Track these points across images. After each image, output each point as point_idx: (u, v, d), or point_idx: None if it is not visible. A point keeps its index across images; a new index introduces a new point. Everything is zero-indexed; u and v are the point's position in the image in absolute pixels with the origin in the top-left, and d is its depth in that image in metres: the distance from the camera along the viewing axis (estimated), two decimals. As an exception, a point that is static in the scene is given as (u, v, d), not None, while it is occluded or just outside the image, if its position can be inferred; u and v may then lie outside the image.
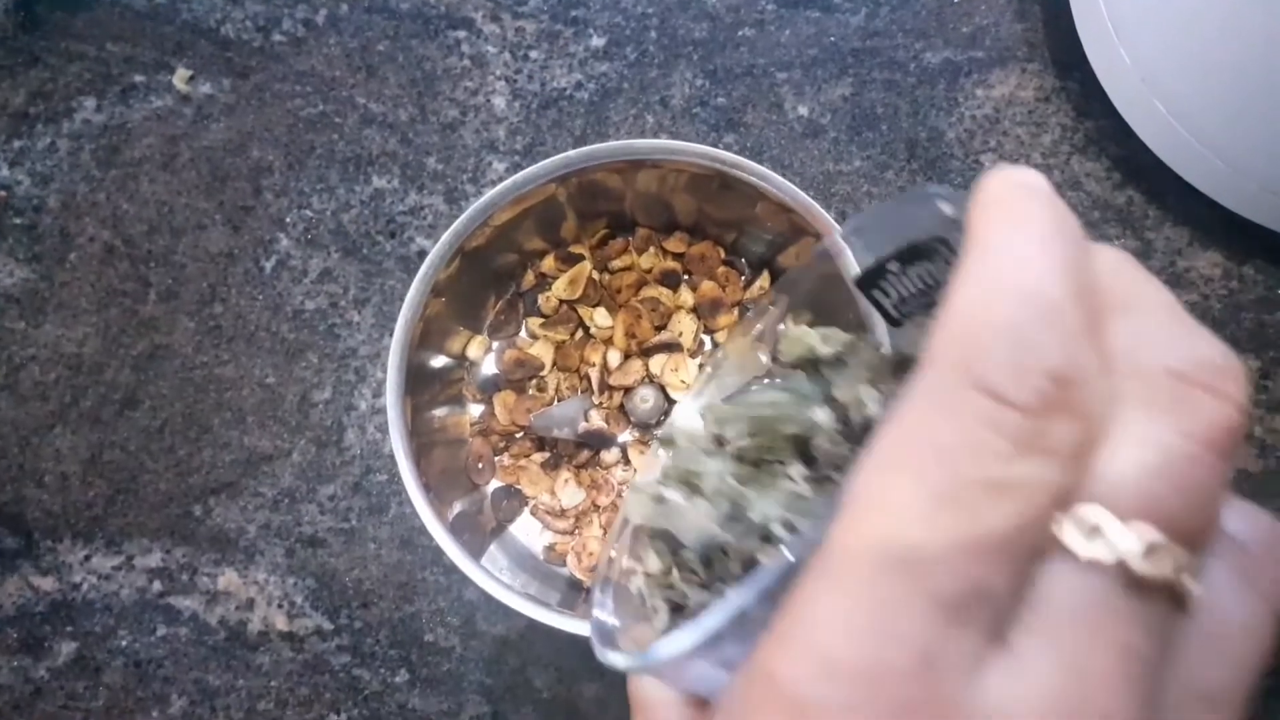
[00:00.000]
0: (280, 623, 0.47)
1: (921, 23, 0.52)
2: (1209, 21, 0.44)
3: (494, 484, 0.46)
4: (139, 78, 0.51)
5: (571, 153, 0.38)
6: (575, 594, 0.40)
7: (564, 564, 0.44)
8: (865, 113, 0.51)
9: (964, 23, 0.52)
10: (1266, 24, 0.42)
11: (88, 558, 0.46)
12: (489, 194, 0.37)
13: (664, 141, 0.38)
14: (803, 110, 0.51)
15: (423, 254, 0.50)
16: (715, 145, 0.50)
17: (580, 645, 0.45)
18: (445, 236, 0.37)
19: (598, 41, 0.52)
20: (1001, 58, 0.52)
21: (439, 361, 0.43)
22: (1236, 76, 0.44)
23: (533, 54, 0.52)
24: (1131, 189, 0.51)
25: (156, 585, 0.47)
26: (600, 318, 0.46)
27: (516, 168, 0.51)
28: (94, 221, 0.50)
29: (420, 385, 0.39)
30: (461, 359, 0.46)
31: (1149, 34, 0.46)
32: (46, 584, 0.47)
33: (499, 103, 0.51)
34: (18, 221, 0.50)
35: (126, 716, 0.46)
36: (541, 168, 0.38)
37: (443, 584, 0.46)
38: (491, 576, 0.35)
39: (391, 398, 0.35)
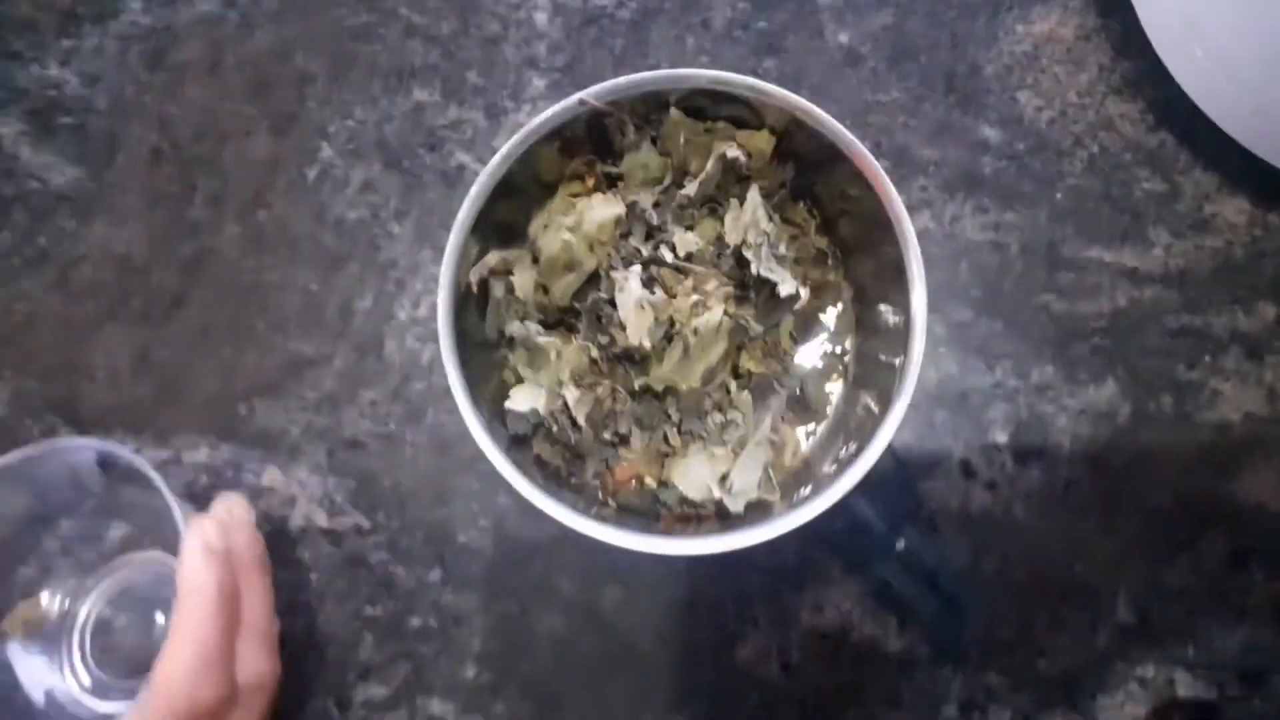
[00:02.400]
0: (321, 519, 0.51)
1: (967, -46, 0.54)
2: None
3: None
4: (185, -20, 0.54)
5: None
6: (604, 505, 0.44)
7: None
8: (905, 43, 0.53)
9: (1010, -44, 0.54)
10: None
11: (138, 451, 0.50)
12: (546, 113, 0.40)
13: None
14: (843, 38, 0.53)
15: (462, 168, 0.52)
16: (754, 69, 0.53)
17: (602, 553, 0.49)
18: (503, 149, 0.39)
19: (642, -40, 0.54)
20: (1045, -7, 0.54)
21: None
22: (1278, 23, 0.46)
23: (577, -30, 0.54)
24: (1165, 132, 0.53)
25: (204, 479, 0.51)
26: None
27: (556, 85, 0.53)
28: (141, 124, 0.53)
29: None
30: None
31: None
32: (98, 474, 0.51)
33: (540, 18, 0.53)
34: (67, 121, 0.53)
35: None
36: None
37: (475, 489, 0.50)
38: (526, 478, 0.38)
39: (443, 313, 0.38)
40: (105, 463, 0.44)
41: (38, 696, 0.46)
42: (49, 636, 0.47)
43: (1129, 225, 0.52)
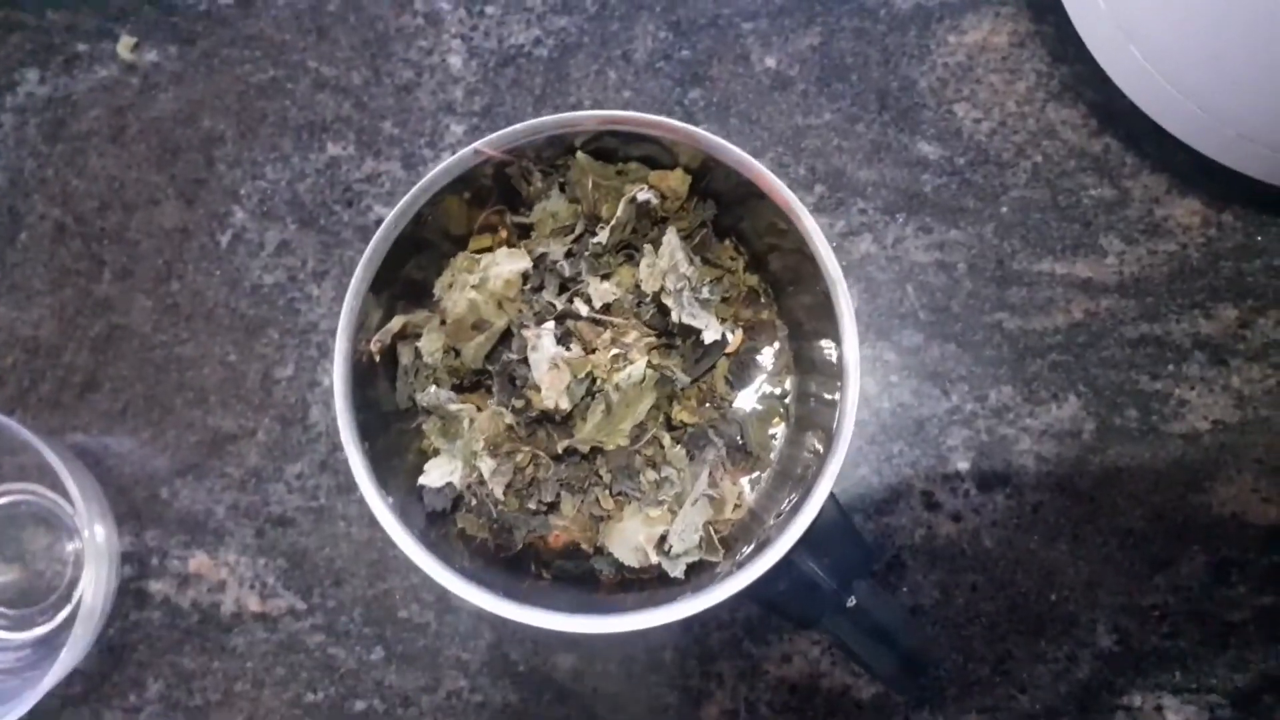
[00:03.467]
0: (253, 604, 0.49)
1: (891, -33, 0.53)
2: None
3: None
4: (82, 46, 0.52)
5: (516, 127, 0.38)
6: (537, 578, 0.42)
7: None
8: (835, 63, 0.52)
9: (935, -35, 0.53)
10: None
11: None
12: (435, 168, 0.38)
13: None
14: (770, 62, 0.52)
15: (380, 222, 0.51)
16: (680, 101, 0.51)
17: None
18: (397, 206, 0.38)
19: (556, -5, 0.52)
20: (974, 1, 0.53)
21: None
22: (1213, 21, 0.45)
23: (489, 9, 0.52)
24: (1109, 136, 0.52)
25: (127, 569, 0.49)
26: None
27: (475, 130, 0.52)
28: (43, 199, 0.51)
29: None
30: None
31: (1122, -23, 0.47)
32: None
33: (455, 62, 0.52)
34: (-37, 202, 0.51)
35: (104, 701, 0.49)
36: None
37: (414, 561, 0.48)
38: (452, 568, 0.36)
39: (339, 387, 0.36)
40: None
41: None
42: None
43: (1079, 235, 0.51)
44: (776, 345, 0.44)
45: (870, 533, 0.49)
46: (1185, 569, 0.49)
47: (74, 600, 0.49)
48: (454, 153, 0.50)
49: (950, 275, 0.51)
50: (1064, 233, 0.51)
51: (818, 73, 0.52)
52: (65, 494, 0.46)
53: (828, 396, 0.40)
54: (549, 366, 0.37)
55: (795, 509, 0.36)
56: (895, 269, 0.51)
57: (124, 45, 0.52)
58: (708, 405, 0.42)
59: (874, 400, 0.50)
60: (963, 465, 0.49)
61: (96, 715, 0.49)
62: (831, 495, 0.37)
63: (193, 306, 0.50)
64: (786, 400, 0.44)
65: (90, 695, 0.49)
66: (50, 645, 0.48)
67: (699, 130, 0.38)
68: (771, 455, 0.43)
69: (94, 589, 0.45)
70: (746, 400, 0.44)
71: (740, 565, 0.37)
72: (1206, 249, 0.51)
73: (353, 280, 0.37)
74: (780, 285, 0.44)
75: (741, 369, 0.44)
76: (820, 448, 0.39)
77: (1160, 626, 0.49)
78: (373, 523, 0.48)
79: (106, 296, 0.51)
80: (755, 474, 0.43)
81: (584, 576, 0.41)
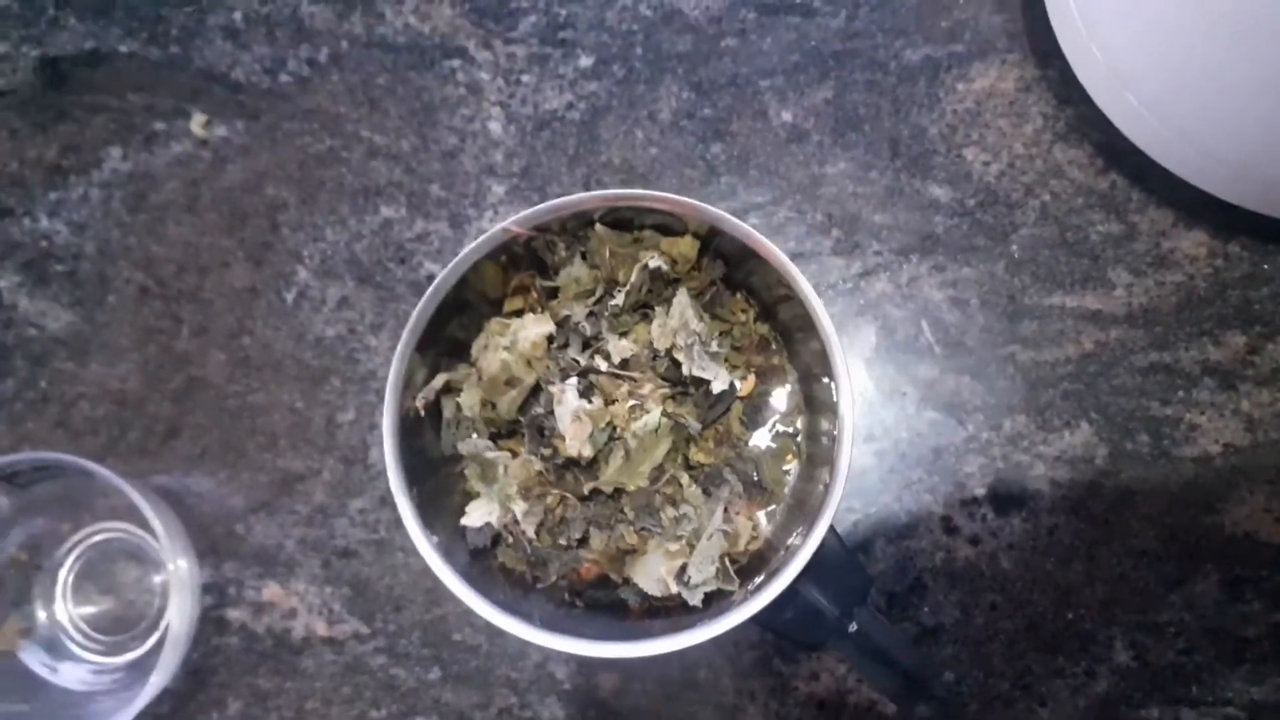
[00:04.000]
0: (321, 629, 0.53)
1: (900, 21, 0.56)
2: (1174, 13, 0.48)
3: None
4: (159, 125, 0.58)
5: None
6: (571, 606, 0.46)
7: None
8: (848, 114, 0.56)
9: (943, 17, 0.56)
10: (1230, 14, 0.45)
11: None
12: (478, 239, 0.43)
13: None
14: (786, 116, 0.56)
15: (431, 277, 0.55)
16: (703, 156, 0.55)
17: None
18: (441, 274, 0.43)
19: (586, 61, 0.57)
20: (981, 50, 0.56)
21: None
22: (1202, 68, 0.48)
23: (524, 78, 0.57)
24: (1115, 174, 0.55)
25: (208, 599, 0.54)
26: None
27: (515, 190, 0.56)
28: (128, 265, 0.57)
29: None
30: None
31: (1117, 28, 0.50)
32: (108, 603, 0.54)
33: (495, 127, 0.57)
34: (59, 269, 0.57)
35: (189, 719, 0.53)
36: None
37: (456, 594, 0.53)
38: (491, 601, 0.41)
39: (388, 440, 0.41)
40: (6, 476, 0.52)
41: (65, 684, 0.53)
42: (45, 634, 0.54)
43: (1088, 269, 0.54)
44: (788, 387, 0.48)
45: (892, 556, 0.52)
46: (1200, 587, 0.51)
47: (161, 627, 0.54)
48: (496, 211, 0.55)
49: (964, 311, 0.54)
50: (1073, 267, 0.54)
51: (832, 124, 0.56)
52: (152, 531, 0.51)
53: (836, 434, 0.43)
54: (572, 419, 0.42)
55: (801, 542, 0.40)
56: (910, 306, 0.54)
57: (197, 122, 0.58)
58: (724, 446, 0.46)
59: (893, 431, 0.53)
60: (980, 491, 0.52)
61: (183, 733, 0.54)
62: (832, 528, 0.41)
63: (262, 359, 0.56)
64: (798, 439, 0.48)
65: (177, 713, 0.54)
66: (141, 669, 0.54)
67: (698, 203, 0.42)
68: (785, 490, 0.47)
69: (179, 617, 0.50)
70: (761, 439, 0.48)
71: (752, 594, 0.40)
72: (1214, 279, 0.54)
73: (399, 344, 0.42)
74: (789, 333, 0.47)
75: (755, 411, 0.48)
76: (829, 481, 0.42)
77: (1176, 642, 0.51)
78: (427, 554, 0.53)
79: (185, 352, 0.56)
80: (770, 507, 0.47)
81: (614, 605, 0.46)
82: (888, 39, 0.56)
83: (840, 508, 0.50)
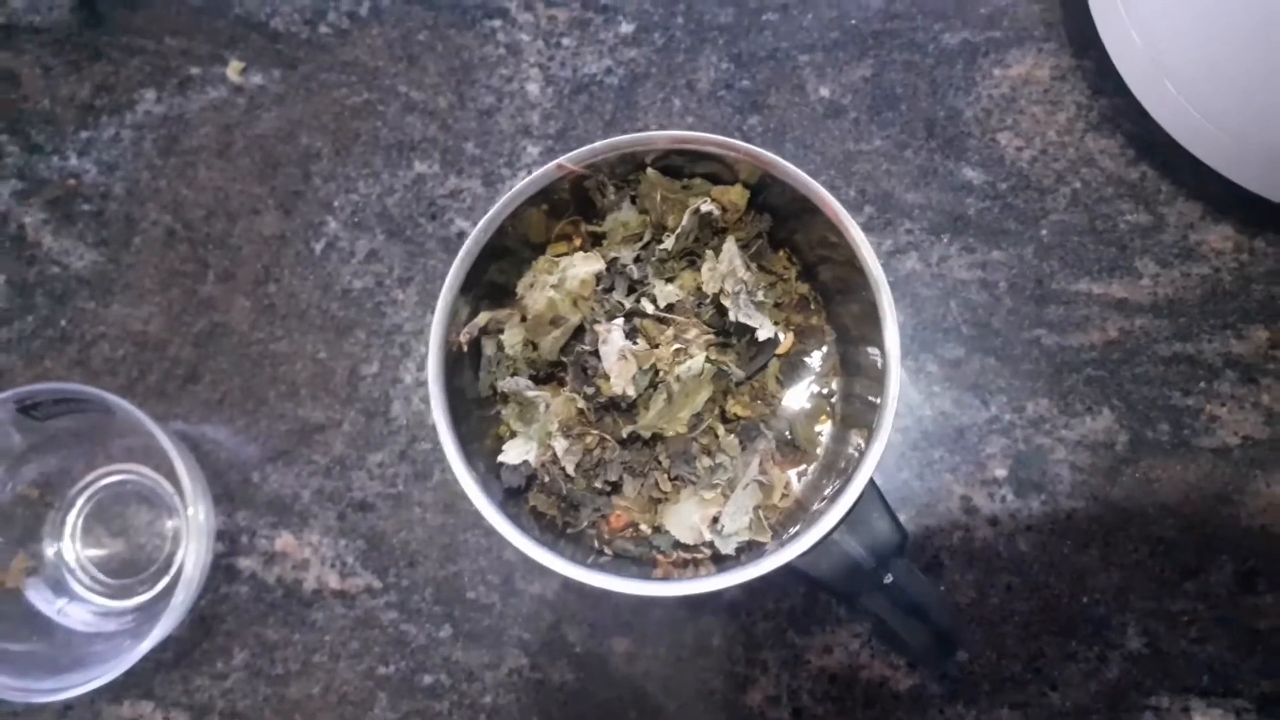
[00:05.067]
0: (333, 581, 0.54)
1: (940, 4, 0.58)
2: (1217, 2, 0.49)
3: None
4: (195, 70, 0.59)
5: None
6: (600, 554, 0.47)
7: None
8: (885, 93, 0.57)
9: (981, 4, 0.58)
10: (1274, 4, 0.47)
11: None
12: (522, 181, 0.44)
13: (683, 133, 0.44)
14: (824, 92, 0.57)
15: (462, 235, 0.56)
16: (739, 127, 0.56)
17: (610, 603, 0.52)
18: (483, 220, 0.43)
19: (626, 28, 0.58)
20: (1019, 37, 0.57)
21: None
22: (1244, 58, 0.49)
23: (565, 41, 0.58)
24: (1145, 165, 0.56)
25: (219, 546, 0.54)
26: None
27: (549, 151, 0.57)
28: (156, 207, 0.57)
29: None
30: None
31: (1159, 15, 0.51)
32: (119, 544, 0.55)
33: (533, 89, 0.58)
34: (86, 208, 0.57)
35: (194, 667, 0.54)
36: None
37: (483, 545, 0.53)
38: (528, 536, 0.41)
39: (433, 371, 0.41)
40: (25, 407, 0.51)
41: (68, 623, 0.54)
42: (51, 572, 0.55)
43: (1115, 257, 0.55)
44: (825, 349, 0.49)
45: (911, 533, 0.53)
46: (1214, 577, 0.52)
47: (171, 572, 0.54)
48: (530, 172, 0.56)
49: (991, 293, 0.55)
50: (1101, 255, 0.55)
51: (869, 102, 0.57)
52: (168, 475, 0.52)
53: (871, 398, 0.44)
54: (618, 358, 0.42)
55: (838, 493, 0.41)
56: (939, 286, 0.55)
57: (233, 69, 0.58)
58: (759, 402, 0.47)
59: (917, 409, 0.54)
60: (1000, 472, 0.53)
61: (186, 679, 0.54)
62: (871, 481, 0.41)
63: (288, 307, 0.56)
64: (833, 400, 0.49)
65: (181, 661, 0.54)
66: (148, 613, 0.54)
67: (758, 149, 0.43)
68: (818, 450, 0.48)
69: (193, 562, 0.50)
70: (796, 399, 0.49)
71: (786, 543, 0.41)
72: (1239, 273, 0.55)
73: (447, 279, 0.42)
74: (829, 294, 0.48)
75: (792, 369, 0.48)
76: (862, 444, 0.43)
77: (1189, 631, 0.52)
78: (446, 509, 0.53)
79: (210, 296, 0.56)
80: (802, 467, 0.48)
81: (642, 556, 0.46)
82: (927, 21, 0.58)
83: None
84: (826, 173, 0.56)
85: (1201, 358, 0.54)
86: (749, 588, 0.52)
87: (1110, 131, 0.56)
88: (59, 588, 0.54)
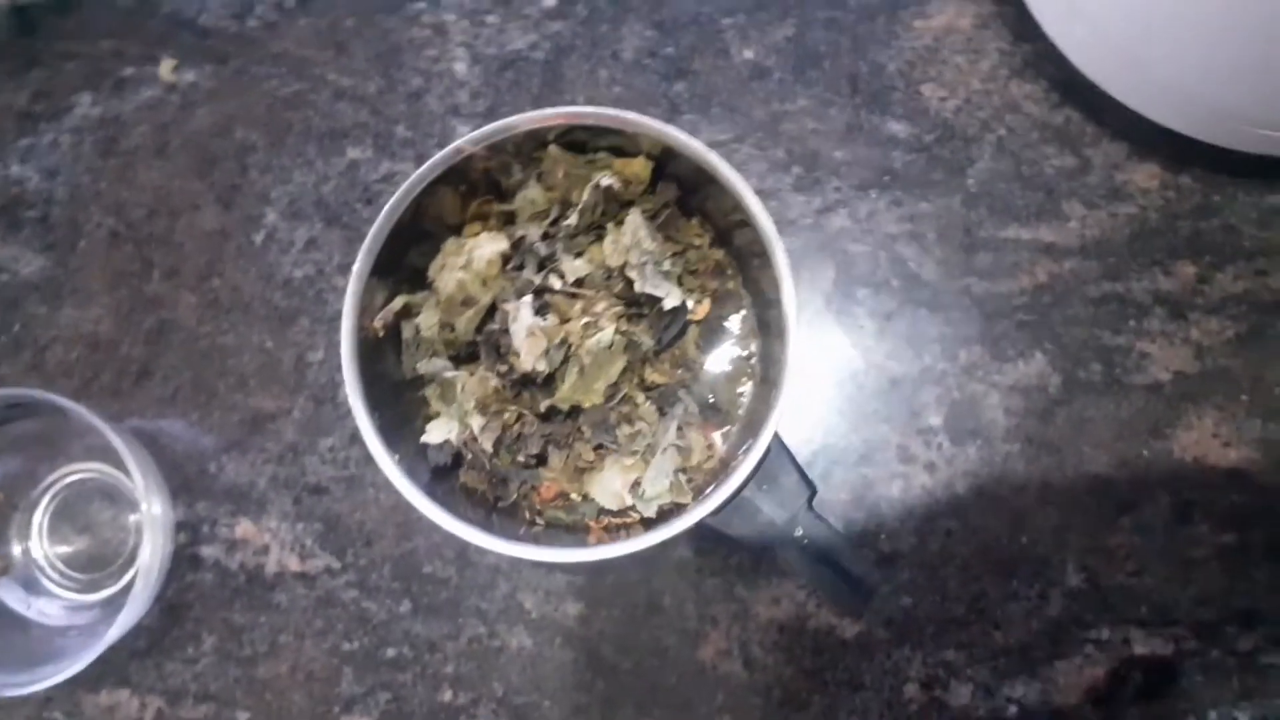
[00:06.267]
0: (293, 564, 0.56)
1: (859, -40, 0.59)
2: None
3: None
4: (129, 70, 0.60)
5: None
6: (533, 525, 0.49)
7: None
8: (808, 52, 0.58)
9: (901, -44, 0.59)
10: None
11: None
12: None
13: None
14: (748, 54, 0.58)
15: (398, 218, 0.58)
16: (666, 94, 0.58)
17: (562, 569, 0.54)
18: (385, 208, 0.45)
19: (549, 2, 0.60)
20: (938, -12, 0.58)
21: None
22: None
23: (489, 19, 0.59)
24: (1069, 108, 0.57)
25: (182, 537, 0.56)
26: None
27: (479, 129, 0.58)
28: (98, 209, 0.59)
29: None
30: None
31: (1067, -41, 0.52)
32: (85, 540, 0.57)
33: (460, 68, 0.59)
34: (31, 214, 0.59)
35: (165, 654, 0.56)
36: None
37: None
38: (455, 515, 0.43)
39: (347, 358, 0.44)
40: None
41: (41, 619, 0.56)
42: (21, 571, 0.57)
43: (1043, 202, 0.56)
44: (743, 312, 0.51)
45: (849, 485, 0.55)
46: (1149, 511, 0.54)
47: (136, 565, 0.57)
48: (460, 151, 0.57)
49: (921, 245, 0.56)
50: (1028, 201, 0.57)
51: (793, 62, 0.58)
52: (126, 471, 0.54)
53: (782, 329, 0.46)
54: (526, 334, 0.44)
55: (747, 452, 0.43)
56: (869, 241, 0.57)
57: (165, 68, 0.60)
58: (681, 369, 0.49)
59: (850, 362, 0.56)
60: (935, 420, 0.55)
61: (159, 666, 0.56)
62: (776, 436, 0.43)
63: (232, 300, 0.58)
64: (752, 361, 0.50)
65: (153, 649, 0.56)
66: (116, 605, 0.56)
67: (653, 120, 0.44)
68: (740, 411, 0.50)
69: (151, 552, 0.52)
70: (717, 363, 0.50)
71: (701, 503, 0.43)
72: (1165, 210, 0.56)
73: (355, 266, 0.44)
74: (745, 259, 0.50)
75: (711, 335, 0.50)
76: (775, 388, 0.45)
77: (1126, 565, 0.54)
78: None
79: (156, 294, 0.58)
80: (726, 428, 0.49)
81: (574, 525, 0.48)
82: (847, -23, 0.59)
83: (798, 438, 0.53)
84: (754, 135, 0.58)
85: (1130, 296, 0.56)
86: (698, 547, 0.55)
87: (1034, 77, 0.58)
88: (30, 585, 0.57)
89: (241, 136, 0.60)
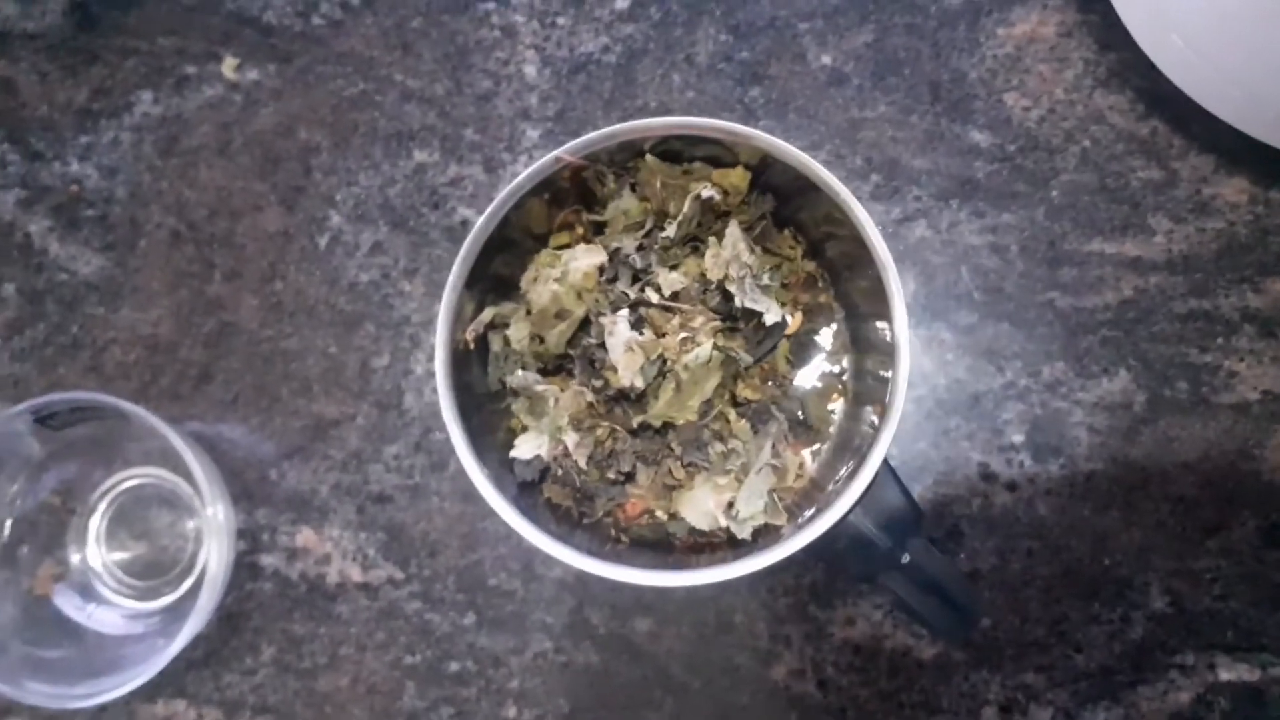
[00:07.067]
0: (355, 574, 0.56)
1: (940, -35, 0.58)
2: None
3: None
4: (190, 69, 0.60)
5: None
6: (616, 542, 0.48)
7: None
8: (888, 58, 0.57)
9: (983, -38, 0.58)
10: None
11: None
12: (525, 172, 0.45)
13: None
14: (826, 59, 0.58)
15: (466, 223, 0.57)
16: (740, 100, 0.57)
17: (631, 585, 0.53)
18: (489, 208, 0.44)
19: (622, 4, 0.59)
20: (1022, -5, 0.57)
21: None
22: (1250, 6, 0.49)
23: (560, 20, 0.59)
24: (1156, 119, 0.56)
25: (241, 545, 0.56)
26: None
27: (550, 134, 0.58)
28: (159, 209, 0.59)
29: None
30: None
31: (1161, -33, 0.51)
32: (143, 547, 0.56)
33: (530, 71, 0.58)
34: (90, 213, 0.59)
35: (223, 664, 0.56)
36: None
37: (502, 532, 0.55)
38: (542, 529, 0.43)
39: (440, 372, 0.43)
40: (42, 418, 0.53)
41: (99, 627, 0.56)
42: (78, 578, 0.57)
43: (1128, 215, 0.56)
44: (834, 326, 0.50)
45: (929, 503, 0.54)
46: (1236, 533, 0.53)
47: (195, 573, 0.56)
48: (531, 156, 0.57)
49: (1003, 257, 0.56)
50: (1113, 214, 0.56)
51: (872, 68, 0.58)
52: (185, 476, 0.54)
53: (883, 373, 0.45)
54: (624, 349, 0.43)
55: (852, 474, 0.42)
56: (950, 252, 0.56)
57: (228, 66, 0.59)
58: (770, 384, 0.48)
59: (931, 377, 0.55)
60: (1017, 438, 0.54)
61: (217, 677, 0.56)
62: (885, 461, 0.43)
63: (295, 304, 0.57)
64: (844, 378, 0.50)
65: (211, 659, 0.56)
66: (174, 613, 0.56)
67: (756, 131, 0.44)
68: (830, 429, 0.49)
69: (216, 561, 0.52)
70: (807, 378, 0.50)
71: (801, 526, 0.42)
72: (1254, 225, 0.55)
73: (450, 278, 0.44)
74: (837, 270, 0.49)
75: (801, 349, 0.49)
76: (876, 420, 0.44)
77: (1212, 589, 0.53)
78: (464, 498, 0.55)
79: (217, 296, 0.58)
80: (816, 446, 0.49)
81: (659, 542, 0.48)
82: (927, -17, 0.58)
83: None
84: (831, 142, 0.57)
85: (1218, 313, 0.55)
86: (769, 565, 0.54)
87: (1119, 87, 0.57)
88: (87, 592, 0.56)
89: (305, 137, 0.59)
